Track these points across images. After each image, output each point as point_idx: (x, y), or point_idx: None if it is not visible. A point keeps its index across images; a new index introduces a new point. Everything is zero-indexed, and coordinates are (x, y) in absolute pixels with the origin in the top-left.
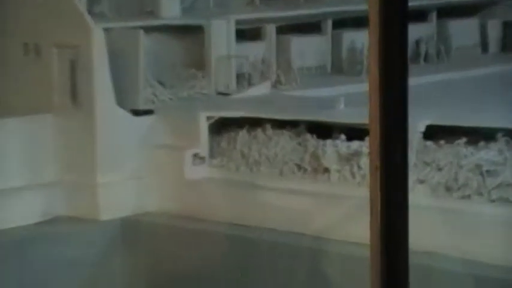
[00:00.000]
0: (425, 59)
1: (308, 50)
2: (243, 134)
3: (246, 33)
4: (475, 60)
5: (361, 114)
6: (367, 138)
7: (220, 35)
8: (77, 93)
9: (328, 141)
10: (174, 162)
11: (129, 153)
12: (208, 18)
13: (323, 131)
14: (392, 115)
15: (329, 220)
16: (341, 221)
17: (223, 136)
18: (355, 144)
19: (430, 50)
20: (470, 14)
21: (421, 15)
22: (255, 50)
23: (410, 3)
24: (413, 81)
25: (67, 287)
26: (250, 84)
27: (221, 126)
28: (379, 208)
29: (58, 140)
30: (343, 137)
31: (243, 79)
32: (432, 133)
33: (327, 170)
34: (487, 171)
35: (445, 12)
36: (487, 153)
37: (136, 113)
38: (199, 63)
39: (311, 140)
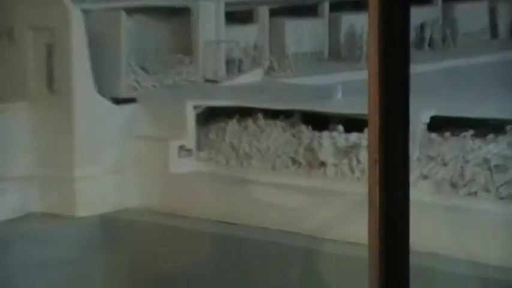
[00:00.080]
0: (430, 45)
1: (303, 34)
2: (232, 125)
3: (237, 16)
4: (484, 46)
5: (361, 104)
6: (366, 130)
7: (209, 17)
8: (53, 80)
9: (325, 133)
10: (158, 154)
11: (109, 145)
12: None
13: (319, 122)
14: (393, 105)
15: (325, 218)
16: (338, 220)
17: (212, 127)
18: (353, 137)
19: (435, 35)
20: None
21: None
22: (246, 34)
23: None
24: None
25: None
26: (240, 71)
27: (209, 116)
28: (378, 205)
29: (33, 130)
30: (340, 128)
31: (233, 65)
32: (437, 125)
33: (323, 164)
34: (496, 166)
35: None
36: (496, 147)
37: (118, 101)
38: (186, 48)
39: (306, 132)
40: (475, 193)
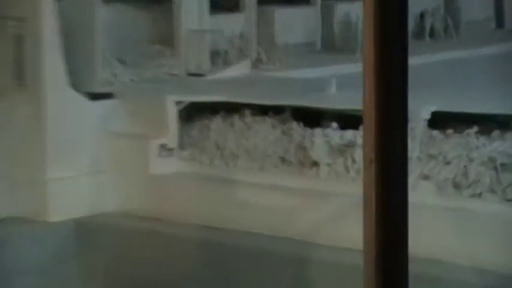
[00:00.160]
0: (431, 35)
1: (294, 23)
2: (217, 122)
3: (222, 4)
4: (488, 36)
5: (356, 99)
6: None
7: (192, 5)
8: (23, 74)
9: (317, 130)
10: (137, 154)
11: (84, 144)
12: None
13: (311, 118)
14: (391, 100)
15: (317, 222)
16: (331, 223)
17: (195, 124)
18: (348, 134)
19: (436, 24)
20: None
21: None
22: (232, 23)
23: None
24: (416, 60)
25: None
26: (226, 63)
27: (192, 113)
28: (374, 208)
29: (1, 128)
30: (334, 125)
31: (218, 57)
32: (438, 121)
33: (315, 164)
34: (502, 165)
35: None
36: (502, 145)
37: (93, 96)
38: (167, 38)
39: (297, 129)
40: (480, 194)
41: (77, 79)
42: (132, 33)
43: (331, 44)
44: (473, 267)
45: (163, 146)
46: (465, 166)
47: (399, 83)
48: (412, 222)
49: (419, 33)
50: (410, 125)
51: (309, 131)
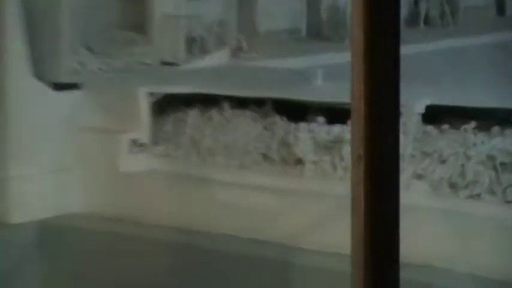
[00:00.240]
0: (426, 22)
1: (277, 8)
2: (194, 115)
3: None
4: (488, 24)
5: (345, 91)
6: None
7: None
8: None
9: (302, 125)
10: (106, 150)
11: (48, 139)
12: None
13: (296, 111)
14: (381, 92)
15: (302, 224)
16: (317, 226)
17: (169, 117)
18: (336, 129)
19: (431, 11)
20: None
21: None
22: (210, 8)
23: None
24: (409, 49)
25: None
26: (203, 51)
27: (166, 105)
28: (362, 210)
29: None
30: (321, 119)
31: (194, 45)
32: (433, 116)
33: (300, 161)
34: (502, 164)
35: None
36: (502, 142)
37: (58, 87)
38: (139, 24)
39: (280, 123)
40: (478, 195)
41: (40, 68)
42: (101, 19)
43: (317, 31)
44: (469, 274)
45: (134, 141)
46: (462, 165)
47: (391, 74)
48: (404, 224)
49: (413, 20)
50: (402, 120)
51: (293, 125)
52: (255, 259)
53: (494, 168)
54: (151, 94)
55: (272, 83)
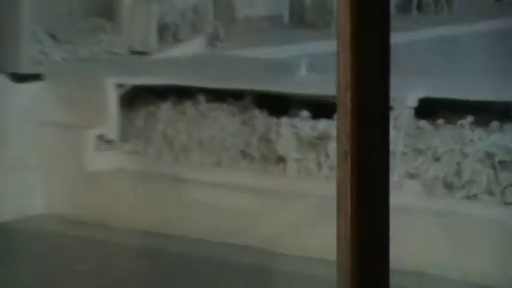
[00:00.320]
0: (419, 8)
1: None
2: (166, 109)
3: None
4: (486, 10)
5: (331, 83)
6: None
7: None
8: None
9: (284, 120)
10: (71, 147)
11: (7, 134)
12: None
13: (277, 105)
14: (370, 83)
15: (284, 228)
16: (300, 229)
17: (140, 111)
18: (321, 124)
19: None
20: None
21: None
22: None
23: None
24: (401, 37)
25: None
26: (177, 40)
27: (136, 98)
28: (349, 211)
29: None
30: (305, 113)
31: (167, 33)
32: (427, 110)
33: (282, 159)
34: (501, 162)
35: None
36: (501, 138)
37: (19, 78)
38: (107, 10)
39: (261, 118)
40: (475, 196)
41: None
42: (65, 4)
43: (301, 17)
44: (465, 281)
45: (101, 138)
46: (458, 163)
47: (380, 64)
48: (395, 227)
49: (405, 6)
50: (393, 114)
51: (274, 120)
52: (233, 266)
53: (493, 166)
54: (120, 86)
55: (252, 74)
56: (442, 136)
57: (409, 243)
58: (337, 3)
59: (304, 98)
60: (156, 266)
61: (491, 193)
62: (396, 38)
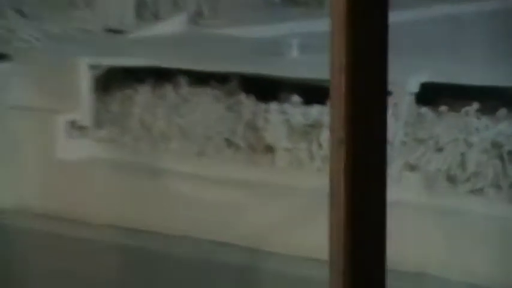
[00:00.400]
0: None
1: None
2: (144, 93)
3: None
4: None
5: (325, 65)
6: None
7: None
8: None
9: (273, 106)
10: (40, 133)
11: None
12: None
13: (266, 89)
14: (366, 66)
15: (272, 224)
16: (291, 226)
17: (115, 95)
18: (314, 110)
19: None
20: None
21: None
22: None
23: None
24: (401, 15)
25: None
26: (156, 17)
27: (112, 81)
28: (343, 205)
29: None
30: (296, 99)
31: (145, 10)
32: (429, 95)
33: (270, 149)
34: (510, 152)
35: None
36: (510, 127)
37: None
38: None
39: (247, 103)
40: (481, 190)
41: None
42: None
43: None
44: (468, 284)
45: (73, 124)
46: (462, 154)
47: (377, 44)
48: (393, 224)
49: None
50: (392, 100)
51: (262, 106)
52: (217, 265)
53: (500, 157)
54: (94, 67)
55: (238, 55)
56: (445, 124)
57: (407, 241)
58: None
59: (296, 81)
60: (133, 265)
61: (498, 187)
62: (395, 16)
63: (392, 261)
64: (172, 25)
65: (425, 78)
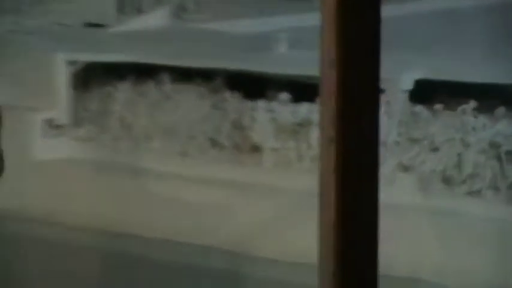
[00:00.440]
0: None
1: None
2: (125, 90)
3: None
4: None
5: (315, 61)
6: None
7: None
8: None
9: (261, 103)
10: (16, 132)
11: None
12: None
13: (253, 86)
14: (357, 60)
15: (259, 227)
16: (278, 229)
17: (94, 92)
18: (303, 109)
19: None
20: None
21: None
22: None
23: None
24: (395, 9)
25: None
26: (138, 11)
27: (91, 77)
28: (333, 207)
29: None
30: (284, 96)
31: (126, 3)
32: (424, 93)
33: (257, 149)
34: (508, 153)
35: None
36: (508, 126)
37: None
38: None
39: (233, 101)
40: (478, 192)
41: None
42: None
43: None
44: None
45: (50, 122)
46: (459, 154)
47: (369, 40)
48: (386, 227)
49: None
50: (385, 98)
51: (249, 104)
52: (200, 269)
53: (498, 158)
54: (72, 63)
55: (223, 51)
56: (440, 123)
57: (401, 245)
58: None
59: (284, 78)
60: (112, 269)
61: (496, 189)
62: (389, 10)
63: (385, 265)
64: (155, 19)
65: (420, 75)
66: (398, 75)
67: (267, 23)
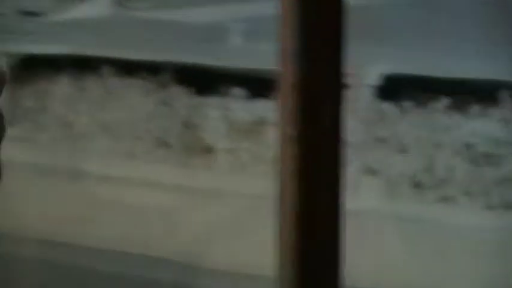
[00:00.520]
0: None
1: None
2: (63, 85)
3: None
4: None
5: (271, 53)
6: None
7: None
8: None
9: (212, 100)
10: None
11: None
12: None
13: (204, 81)
14: (319, 53)
15: (210, 236)
16: (231, 238)
17: (29, 88)
18: (259, 105)
19: None
20: None
21: None
22: None
23: None
24: None
25: None
26: None
27: (25, 71)
28: (291, 214)
29: None
30: (238, 92)
31: None
32: (392, 89)
33: (209, 150)
34: (484, 155)
35: None
36: (484, 125)
37: None
38: None
39: (183, 97)
40: (453, 198)
41: None
42: None
43: None
44: None
45: None
46: (430, 156)
47: (332, 30)
48: (351, 236)
49: None
50: (349, 94)
51: (199, 100)
52: (147, 283)
53: (474, 160)
54: (5, 55)
55: (172, 42)
56: (410, 122)
57: (367, 256)
58: None
59: (238, 72)
60: (51, 282)
61: (471, 194)
62: None
63: (349, 278)
64: (95, 7)
65: (387, 69)
66: (363, 68)
67: (219, 12)
